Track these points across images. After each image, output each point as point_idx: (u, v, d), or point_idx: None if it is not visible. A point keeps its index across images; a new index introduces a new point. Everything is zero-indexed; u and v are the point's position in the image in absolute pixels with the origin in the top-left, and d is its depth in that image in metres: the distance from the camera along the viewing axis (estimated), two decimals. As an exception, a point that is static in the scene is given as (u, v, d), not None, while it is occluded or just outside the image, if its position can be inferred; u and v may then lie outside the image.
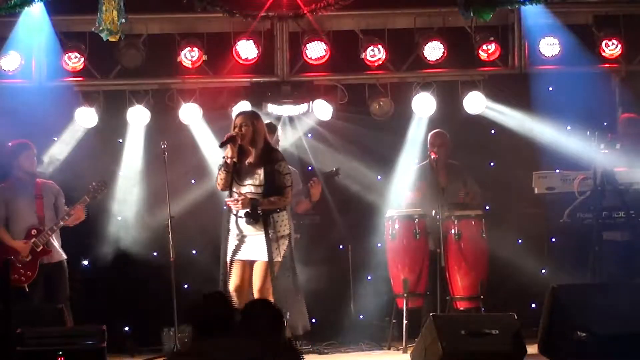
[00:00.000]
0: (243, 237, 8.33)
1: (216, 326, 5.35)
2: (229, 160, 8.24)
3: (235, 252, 8.32)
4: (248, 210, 8.23)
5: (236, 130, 8.31)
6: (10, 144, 9.50)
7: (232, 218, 8.33)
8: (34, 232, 9.28)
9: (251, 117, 8.42)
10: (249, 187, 8.29)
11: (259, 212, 8.23)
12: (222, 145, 8.30)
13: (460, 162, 10.17)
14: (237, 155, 8.29)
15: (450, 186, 9.93)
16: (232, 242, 8.32)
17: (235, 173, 8.30)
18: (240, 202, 8.23)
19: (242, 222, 8.29)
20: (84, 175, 10.00)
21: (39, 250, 9.26)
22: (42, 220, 9.34)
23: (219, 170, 8.32)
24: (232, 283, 8.33)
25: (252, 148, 8.33)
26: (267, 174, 8.29)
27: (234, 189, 8.30)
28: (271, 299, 8.13)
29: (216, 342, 5.19)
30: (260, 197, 8.25)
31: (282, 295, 8.29)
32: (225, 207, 8.45)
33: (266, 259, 8.22)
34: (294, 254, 8.57)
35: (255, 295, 8.30)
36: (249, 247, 8.32)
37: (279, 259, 8.30)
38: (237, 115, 8.47)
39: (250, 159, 8.33)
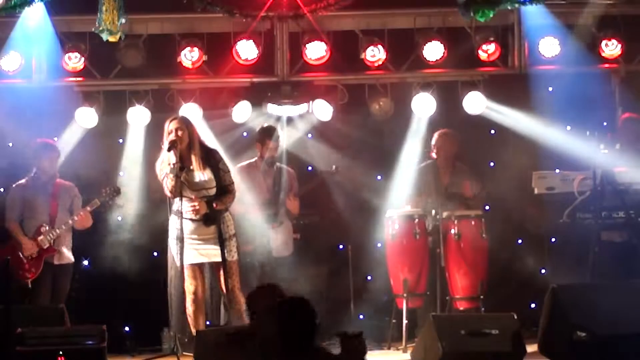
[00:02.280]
0: (196, 240, 8.42)
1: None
2: (174, 166, 8.27)
3: (189, 256, 8.39)
4: (206, 212, 8.35)
5: (172, 135, 8.37)
6: (34, 143, 9.56)
7: (183, 223, 8.36)
8: (42, 229, 9.37)
9: (184, 122, 8.54)
10: (202, 191, 8.41)
11: (215, 213, 8.36)
12: (169, 149, 8.32)
13: (466, 165, 10.16)
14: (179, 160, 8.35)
15: (454, 187, 9.94)
16: (184, 247, 8.35)
17: (184, 180, 8.34)
18: (198, 207, 8.29)
19: (194, 226, 8.39)
20: (84, 175, 10.02)
21: (45, 248, 9.33)
22: (53, 220, 9.44)
23: (166, 177, 8.33)
24: (191, 286, 8.44)
25: (191, 153, 8.41)
26: (215, 175, 8.43)
27: (188, 195, 8.37)
28: (239, 295, 8.38)
29: None
30: (212, 199, 8.38)
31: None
32: (174, 213, 8.44)
33: (228, 259, 8.41)
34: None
35: (224, 293, 8.39)
36: (205, 250, 8.43)
37: (236, 257, 8.49)
38: (170, 121, 8.52)
39: (193, 163, 8.40)
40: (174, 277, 8.63)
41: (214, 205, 8.38)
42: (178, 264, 8.44)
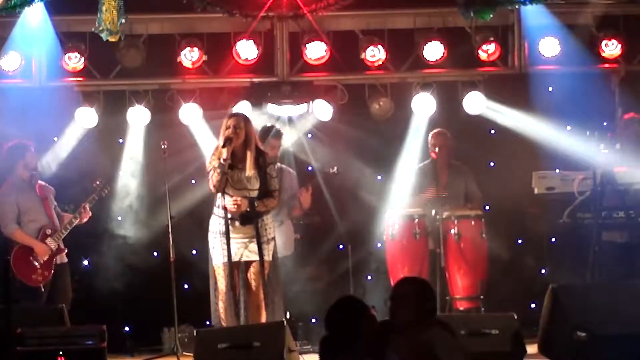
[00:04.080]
0: (235, 240, 8.42)
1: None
2: (224, 162, 8.27)
3: (228, 254, 8.39)
4: (246, 211, 8.32)
5: (229, 131, 8.35)
6: (8, 145, 9.50)
7: (223, 222, 8.37)
8: (48, 231, 9.34)
9: (244, 120, 8.49)
10: (244, 191, 8.38)
11: (255, 213, 8.35)
12: (224, 145, 8.32)
13: (463, 163, 10.18)
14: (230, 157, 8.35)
15: (452, 186, 9.95)
16: (224, 245, 8.37)
17: (229, 176, 8.34)
18: (240, 203, 8.28)
19: (235, 225, 8.39)
20: (84, 175, 10.02)
21: (55, 249, 9.32)
22: (52, 220, 9.42)
23: (213, 171, 8.35)
24: (225, 285, 8.44)
25: (246, 151, 8.39)
26: (261, 178, 8.41)
27: (229, 192, 8.36)
28: (261, 295, 8.41)
29: None
30: (255, 199, 8.38)
31: (271, 290, 8.67)
32: (217, 211, 8.46)
33: (262, 259, 8.39)
34: (277, 254, 8.93)
35: (252, 294, 8.41)
36: (243, 250, 8.43)
37: (270, 259, 8.50)
38: (230, 117, 8.50)
39: (244, 163, 8.39)
40: (213, 274, 8.63)
41: (255, 204, 8.38)
42: (217, 260, 8.45)
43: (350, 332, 5.58)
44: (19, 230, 9.30)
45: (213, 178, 8.35)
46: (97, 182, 9.52)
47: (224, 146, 8.31)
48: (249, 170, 8.36)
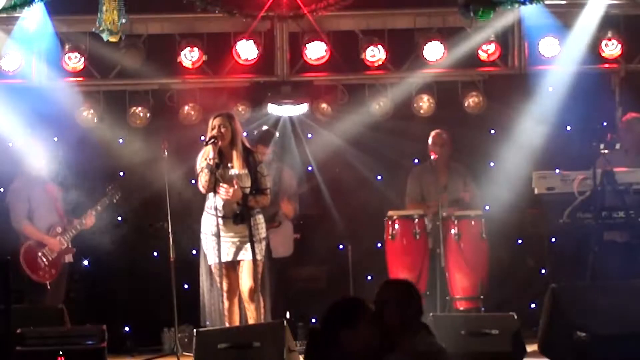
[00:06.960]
0: (228, 239, 8.44)
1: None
2: (211, 162, 8.30)
3: (224, 254, 8.44)
4: (237, 204, 8.36)
5: (215, 131, 8.40)
6: (33, 144, 9.53)
7: (217, 221, 8.39)
8: (58, 229, 9.39)
9: (229, 119, 8.54)
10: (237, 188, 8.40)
11: (247, 209, 8.37)
12: (207, 143, 8.37)
13: (462, 164, 10.19)
14: (218, 157, 8.37)
15: (451, 186, 9.96)
16: (218, 244, 8.39)
17: (219, 176, 8.36)
18: (232, 192, 8.31)
19: (224, 223, 8.40)
20: (84, 175, 10.01)
21: (64, 248, 9.34)
22: (62, 220, 9.47)
23: (202, 172, 8.39)
24: (226, 285, 8.48)
25: (232, 150, 8.44)
26: (252, 177, 8.47)
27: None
28: (260, 295, 8.46)
29: None
30: (248, 195, 8.42)
31: (262, 290, 8.68)
32: (209, 212, 8.47)
33: (255, 258, 8.41)
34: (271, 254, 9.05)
35: (246, 293, 8.46)
36: (236, 249, 8.46)
37: (261, 258, 8.53)
38: (215, 117, 8.55)
39: (232, 162, 8.44)
40: (206, 275, 8.65)
41: (248, 199, 8.40)
42: (211, 261, 8.48)
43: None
44: (30, 226, 9.35)
45: (202, 178, 8.41)
46: (109, 188, 9.55)
47: (206, 144, 8.36)
48: (238, 169, 8.40)
